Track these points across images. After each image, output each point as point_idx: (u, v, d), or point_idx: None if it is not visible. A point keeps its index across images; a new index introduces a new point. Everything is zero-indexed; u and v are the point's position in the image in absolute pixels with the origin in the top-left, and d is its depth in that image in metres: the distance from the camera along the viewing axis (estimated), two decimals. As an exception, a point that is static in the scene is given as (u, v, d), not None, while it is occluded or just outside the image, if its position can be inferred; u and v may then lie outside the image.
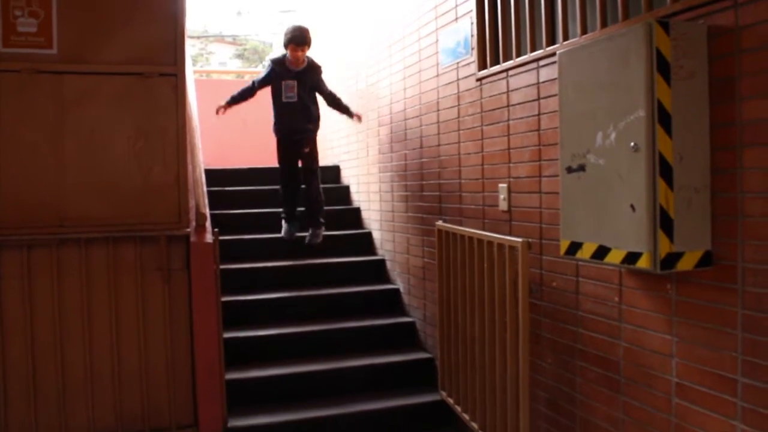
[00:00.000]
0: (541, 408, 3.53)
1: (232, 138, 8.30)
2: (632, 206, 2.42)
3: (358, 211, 6.45)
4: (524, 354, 3.31)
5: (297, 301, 5.29)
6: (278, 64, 5.69)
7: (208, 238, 4.13)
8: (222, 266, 4.30)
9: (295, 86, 5.63)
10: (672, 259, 2.38)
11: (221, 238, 4.29)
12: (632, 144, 2.41)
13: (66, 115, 3.94)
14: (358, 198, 6.55)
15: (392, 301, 5.50)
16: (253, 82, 5.85)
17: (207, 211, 4.41)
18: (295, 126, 5.72)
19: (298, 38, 5.55)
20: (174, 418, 4.18)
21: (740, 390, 2.37)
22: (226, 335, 4.36)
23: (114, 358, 4.08)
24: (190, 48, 5.14)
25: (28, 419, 3.96)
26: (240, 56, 24.79)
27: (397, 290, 5.50)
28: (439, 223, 4.34)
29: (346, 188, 6.85)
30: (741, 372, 2.36)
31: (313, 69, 5.75)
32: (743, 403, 2.36)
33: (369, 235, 6.13)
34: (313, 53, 5.88)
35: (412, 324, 5.22)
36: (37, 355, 3.97)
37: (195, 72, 7.83)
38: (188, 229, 4.11)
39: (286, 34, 5.64)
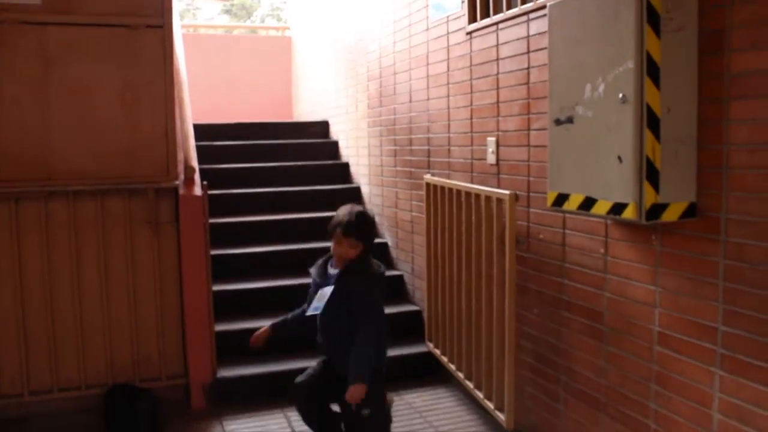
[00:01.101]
0: (526, 358, 3.60)
1: (220, 93, 8.24)
2: (619, 158, 2.44)
3: (346, 166, 6.45)
4: (510, 305, 3.37)
5: (286, 255, 5.32)
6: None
7: (197, 191, 4.14)
8: (211, 220, 4.31)
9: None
10: (657, 210, 2.41)
11: (210, 192, 4.29)
12: (620, 96, 2.42)
13: (51, 67, 3.90)
14: (347, 153, 6.54)
15: (381, 255, 5.54)
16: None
17: (196, 165, 4.41)
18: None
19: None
20: (164, 369, 4.24)
21: (720, 338, 2.43)
22: (216, 288, 4.39)
23: (104, 310, 4.12)
24: (177, 3, 4.72)
25: (20, 371, 4.01)
26: (228, 12, 24.42)
27: (385, 244, 5.54)
28: (428, 176, 4.37)
29: (335, 143, 6.84)
30: (721, 320, 2.42)
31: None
32: (723, 350, 2.42)
33: (358, 189, 6.14)
34: (300, 11, 5.67)
35: (400, 277, 5.28)
36: (27, 307, 4.00)
37: (182, 27, 7.74)
38: (177, 182, 4.12)
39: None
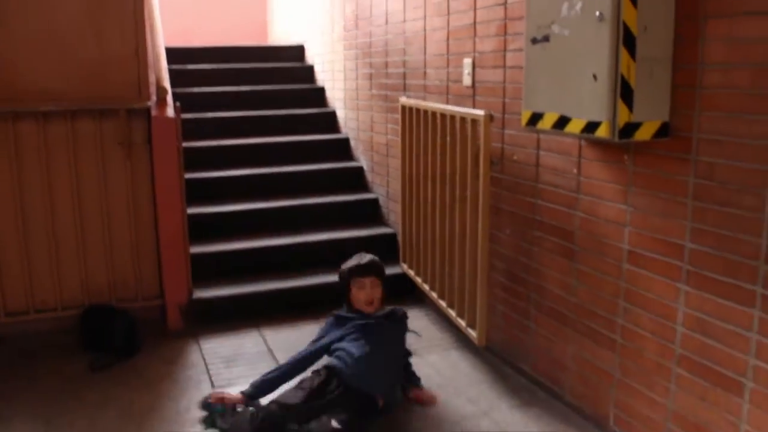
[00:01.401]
0: (498, 277, 3.68)
1: (192, 15, 8.03)
2: (594, 76, 2.45)
3: (322, 90, 6.38)
4: (484, 226, 3.42)
5: (260, 178, 5.31)
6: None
7: (170, 112, 4.08)
8: (185, 144, 4.26)
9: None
10: (630, 128, 2.44)
11: (183, 116, 4.23)
12: (597, 13, 2.41)
13: (13, -19, 3.76)
14: (322, 77, 6.46)
15: (356, 179, 5.55)
16: None
17: (168, 86, 4.33)
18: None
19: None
20: (140, 290, 4.27)
21: (687, 255, 2.50)
22: (190, 211, 4.38)
23: (78, 233, 4.10)
24: None
25: (-5, 293, 4.01)
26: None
27: (360, 168, 5.55)
28: (403, 98, 4.34)
29: (311, 67, 6.73)
30: (689, 238, 2.48)
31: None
32: (689, 266, 2.49)
33: (333, 114, 6.09)
34: None
35: (375, 200, 5.30)
36: (0, 230, 3.96)
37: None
38: (149, 103, 4.05)
39: None
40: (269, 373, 3.16)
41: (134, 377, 3.62)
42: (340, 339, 3.24)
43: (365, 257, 3.47)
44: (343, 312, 3.43)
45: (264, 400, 3.02)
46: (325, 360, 3.22)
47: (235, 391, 3.14)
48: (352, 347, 3.15)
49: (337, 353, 3.17)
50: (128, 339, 3.92)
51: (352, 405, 2.95)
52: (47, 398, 3.39)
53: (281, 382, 3.13)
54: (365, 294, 3.38)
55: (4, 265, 4.01)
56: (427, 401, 3.31)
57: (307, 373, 3.17)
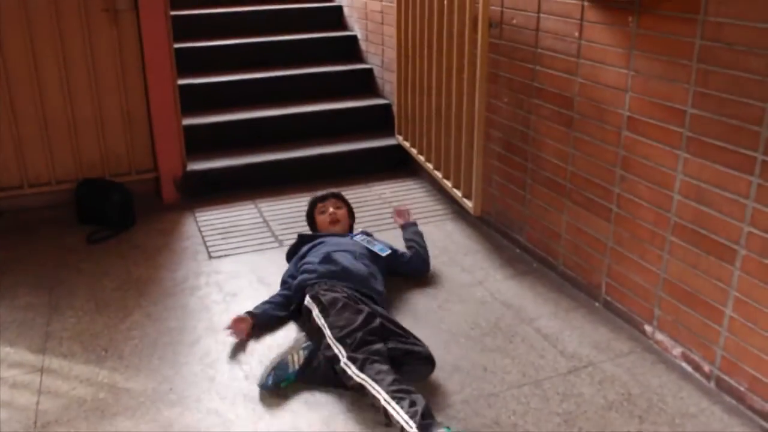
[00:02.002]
0: (495, 147, 3.62)
1: None
2: (601, -73, 2.29)
3: (313, -46, 6.07)
4: (481, 93, 3.32)
5: (252, 47, 5.14)
6: None
7: (154, -25, 3.87)
8: (172, 12, 4.08)
9: None
10: (636, -15, 2.31)
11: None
12: None
13: None
14: (313, -61, 6.12)
15: (350, 48, 5.38)
16: None
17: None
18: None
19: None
20: (133, 164, 4.22)
21: (688, 121, 2.43)
22: (181, 82, 4.25)
23: (66, 105, 4.00)
24: None
25: (-14, 167, 3.96)
26: None
27: (354, 37, 5.36)
28: (399, -39, 4.12)
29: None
30: (691, 103, 2.40)
31: None
32: (689, 133, 2.43)
33: (325, -21, 5.83)
34: None
35: (369, 71, 5.16)
36: (-15, 101, 3.86)
37: None
38: (131, -35, 3.84)
39: None
40: (271, 306, 2.98)
41: (131, 249, 3.64)
42: (304, 255, 3.13)
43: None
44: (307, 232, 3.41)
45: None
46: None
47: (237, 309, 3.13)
48: (312, 256, 3.05)
49: (302, 269, 3.01)
50: (123, 212, 3.91)
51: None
52: (48, 269, 3.42)
53: (282, 314, 2.97)
54: (328, 214, 3.38)
55: (-7, 139, 3.94)
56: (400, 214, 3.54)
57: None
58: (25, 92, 3.90)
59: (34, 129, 3.98)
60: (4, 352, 2.76)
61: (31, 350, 2.78)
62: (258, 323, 2.89)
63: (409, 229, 3.48)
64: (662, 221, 2.61)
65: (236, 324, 2.82)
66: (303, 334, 2.76)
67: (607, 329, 2.88)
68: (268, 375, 2.49)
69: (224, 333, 2.83)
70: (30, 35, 3.82)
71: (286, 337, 2.85)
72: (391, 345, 2.54)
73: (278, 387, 2.50)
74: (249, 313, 2.90)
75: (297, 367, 2.53)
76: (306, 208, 3.52)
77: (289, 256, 3.30)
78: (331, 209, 3.42)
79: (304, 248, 3.19)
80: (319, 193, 3.54)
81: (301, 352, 2.57)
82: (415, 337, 2.64)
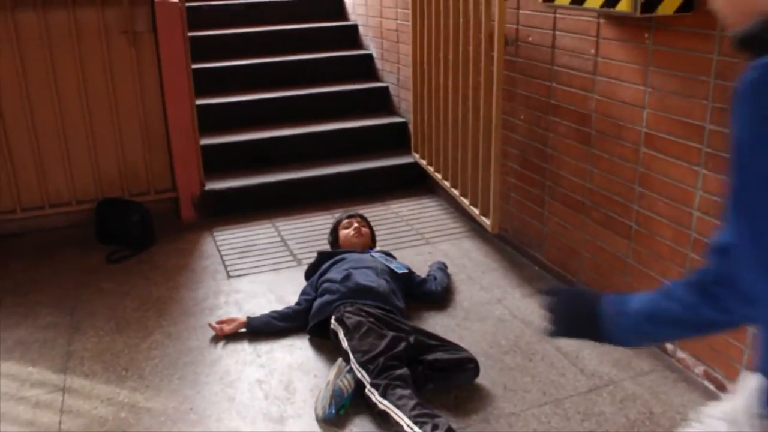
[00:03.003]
0: (512, 164, 3.62)
1: None
2: (616, -54, 2.30)
3: (329, -26, 6.13)
4: (497, 111, 3.33)
5: (269, 67, 5.18)
6: None
7: (173, -2, 3.93)
8: (190, 33, 4.13)
9: None
10: (653, 2, 2.31)
11: (188, 4, 4.08)
12: None
13: None
14: (328, -40, 6.18)
15: (366, 67, 5.41)
16: None
17: (168, -30, 4.15)
18: None
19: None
20: (152, 183, 4.26)
21: (706, 137, 2.42)
22: (198, 102, 4.30)
23: (86, 125, 4.06)
24: None
25: (9, 187, 4.02)
26: None
27: (370, 56, 5.39)
28: (414, -20, 4.15)
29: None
30: (709, 119, 2.40)
31: None
32: (708, 149, 2.42)
33: (341, 0, 5.87)
34: None
35: (385, 89, 5.19)
36: (8, 123, 3.93)
37: None
38: (150, -12, 3.90)
39: None
40: (273, 315, 3.04)
41: (151, 269, 3.67)
42: (324, 272, 3.14)
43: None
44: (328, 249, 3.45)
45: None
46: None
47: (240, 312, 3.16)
48: (334, 272, 3.06)
49: (324, 287, 3.02)
50: (143, 231, 3.94)
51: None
52: (69, 289, 3.45)
53: (282, 325, 3.01)
54: (353, 228, 3.42)
55: (17, 160, 4.00)
56: None
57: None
58: (46, 113, 3.97)
59: (54, 149, 4.04)
60: (27, 372, 2.79)
61: (53, 370, 2.80)
62: (251, 328, 2.99)
63: (436, 264, 3.49)
64: (682, 238, 2.59)
65: (225, 320, 2.99)
66: (341, 358, 2.74)
67: (628, 347, 2.86)
68: (330, 405, 2.47)
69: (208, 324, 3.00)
70: (51, 56, 3.89)
71: (305, 356, 2.86)
72: (438, 356, 2.57)
73: (338, 414, 2.49)
74: (248, 317, 3.01)
75: (350, 391, 2.53)
76: (325, 225, 3.54)
77: (308, 274, 3.31)
78: (355, 224, 3.45)
79: (325, 265, 3.20)
80: (345, 212, 3.62)
81: (348, 376, 2.57)
82: (455, 344, 2.68)
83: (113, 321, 3.15)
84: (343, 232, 3.46)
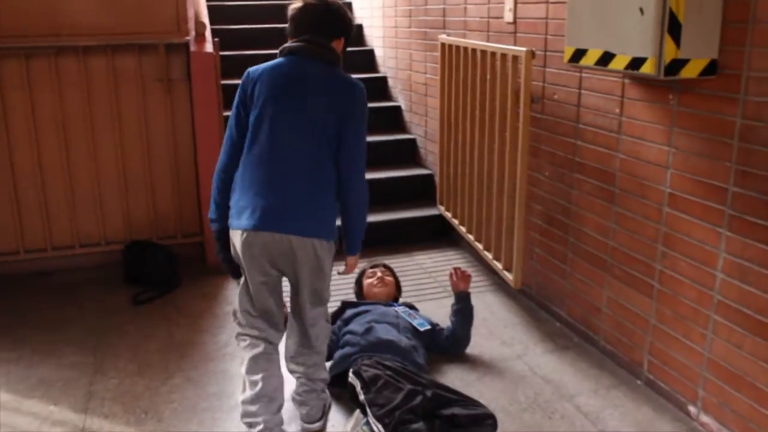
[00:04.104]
0: (536, 220, 3.63)
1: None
2: (641, 9, 2.34)
3: (360, 28, 6.27)
4: (522, 166, 3.36)
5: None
6: None
7: (208, 47, 4.05)
8: (223, 81, 4.24)
9: None
10: (677, 65, 2.34)
11: (222, 53, 4.20)
12: (646, -57, 2.29)
13: None
14: (361, 15, 6.33)
15: (394, 119, 5.50)
16: None
17: (207, 21, 4.30)
18: None
19: None
20: (180, 227, 4.33)
21: (730, 199, 2.42)
22: (229, 149, 4.37)
23: (119, 169, 4.16)
24: None
25: (42, 227, 4.12)
26: None
27: (398, 108, 5.48)
28: (443, 36, 4.24)
29: (348, 4, 6.60)
30: (733, 181, 2.40)
31: None
32: (731, 211, 2.42)
33: (371, 52, 6.00)
34: None
35: (412, 141, 5.25)
36: (45, 164, 4.05)
37: None
38: (187, 38, 4.04)
39: None
40: None
41: (175, 312, 3.71)
42: (347, 322, 3.17)
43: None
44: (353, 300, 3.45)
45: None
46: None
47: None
48: (356, 324, 3.08)
49: (344, 339, 3.04)
50: (169, 274, 4.00)
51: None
52: (94, 329, 3.50)
53: None
54: (376, 278, 3.43)
55: (50, 200, 4.11)
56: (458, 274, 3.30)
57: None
58: (81, 155, 4.09)
59: (87, 191, 4.15)
60: (48, 410, 2.81)
61: (74, 409, 2.82)
62: None
63: (461, 301, 3.30)
64: (705, 299, 2.57)
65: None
66: (358, 410, 2.74)
67: (650, 408, 2.81)
68: None
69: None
70: (89, 101, 4.02)
71: (323, 405, 2.85)
72: (455, 411, 2.55)
73: None
74: None
75: None
76: (350, 274, 3.52)
77: (332, 322, 3.31)
78: (379, 273, 3.47)
79: (348, 312, 3.22)
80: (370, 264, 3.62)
81: (365, 428, 2.56)
82: (474, 399, 2.66)
83: (135, 363, 3.18)
84: (366, 282, 3.47)
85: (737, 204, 2.39)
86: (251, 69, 2.50)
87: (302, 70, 2.43)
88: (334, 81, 2.43)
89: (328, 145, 2.40)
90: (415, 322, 3.18)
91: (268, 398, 2.46)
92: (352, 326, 3.08)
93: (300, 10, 2.48)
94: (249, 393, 2.46)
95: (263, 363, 2.48)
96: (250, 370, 2.47)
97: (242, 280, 2.52)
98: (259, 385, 2.44)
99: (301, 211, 2.37)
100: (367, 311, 3.18)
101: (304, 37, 2.45)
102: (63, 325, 3.54)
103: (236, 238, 2.41)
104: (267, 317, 2.52)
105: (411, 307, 3.37)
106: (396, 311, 3.22)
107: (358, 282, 3.53)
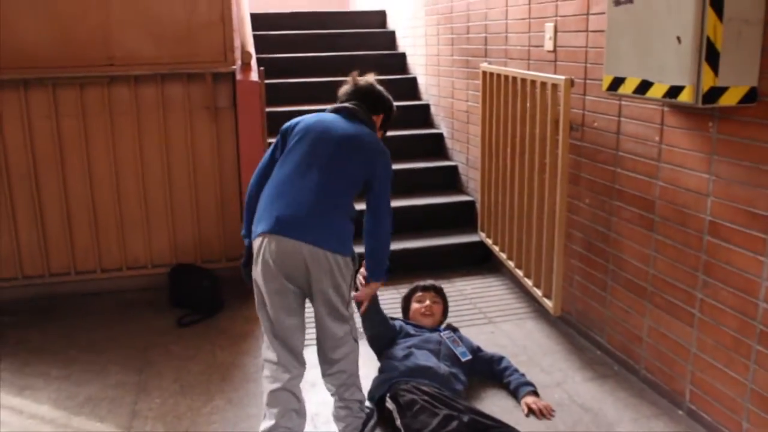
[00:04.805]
0: (576, 247, 3.62)
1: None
2: (678, 38, 2.35)
3: (403, 56, 6.37)
4: (562, 194, 3.37)
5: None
6: None
7: (254, 77, 4.16)
8: (267, 109, 4.35)
9: None
10: (715, 93, 2.34)
11: (267, 81, 4.31)
12: (683, -27, 2.31)
13: (109, -48, 3.92)
14: (403, 43, 6.44)
15: (436, 146, 5.55)
16: None
17: (252, 51, 4.42)
18: None
19: None
20: (224, 251, 4.43)
21: (772, 227, 2.40)
22: (273, 174, 4.47)
23: (166, 194, 4.29)
24: None
25: (93, 250, 4.26)
26: None
27: (440, 135, 5.53)
28: (484, 65, 4.29)
29: (392, 33, 6.72)
30: (775, 209, 2.38)
31: None
32: (774, 239, 2.39)
33: (414, 80, 6.08)
34: None
35: (454, 168, 5.29)
36: (96, 187, 4.20)
37: None
38: (234, 68, 4.16)
39: None
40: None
41: (217, 334, 3.78)
42: (392, 342, 3.20)
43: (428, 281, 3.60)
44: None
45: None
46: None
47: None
48: (398, 349, 3.09)
49: (384, 364, 3.08)
50: (212, 297, 4.09)
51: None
52: (139, 349, 3.59)
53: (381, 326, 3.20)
54: (424, 306, 3.43)
55: (101, 223, 4.25)
56: (541, 411, 2.95)
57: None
58: (131, 180, 4.23)
59: (136, 215, 4.28)
60: (94, 428, 2.90)
61: (118, 427, 2.90)
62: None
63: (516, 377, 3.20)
64: (748, 329, 2.53)
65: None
66: None
67: (692, 440, 2.77)
68: None
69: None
70: (139, 128, 4.17)
71: (361, 428, 2.87)
72: None
73: None
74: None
75: None
76: (391, 301, 3.57)
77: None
78: (428, 302, 3.45)
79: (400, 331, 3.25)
80: (423, 282, 3.58)
81: None
82: (511, 426, 2.68)
83: (178, 383, 3.25)
84: (414, 306, 3.47)
85: (779, 232, 2.37)
86: (300, 117, 2.78)
87: (341, 124, 2.68)
88: (366, 139, 2.67)
89: (350, 185, 2.61)
90: (457, 351, 3.17)
91: (285, 429, 2.55)
92: (393, 350, 3.10)
93: (351, 85, 2.87)
94: (267, 424, 2.56)
95: (281, 398, 2.57)
96: (269, 404, 2.58)
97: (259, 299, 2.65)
98: (274, 419, 2.54)
99: (318, 225, 2.51)
100: (410, 335, 3.20)
101: (351, 102, 2.79)
102: (110, 346, 3.64)
103: (255, 246, 2.55)
104: (283, 341, 2.60)
105: (455, 330, 3.37)
106: (441, 337, 3.22)
107: (407, 300, 3.53)
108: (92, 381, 3.29)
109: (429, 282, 3.59)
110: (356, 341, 2.69)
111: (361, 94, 2.83)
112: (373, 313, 3.09)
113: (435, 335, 3.24)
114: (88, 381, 3.29)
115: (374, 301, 3.03)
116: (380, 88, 2.91)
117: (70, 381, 3.29)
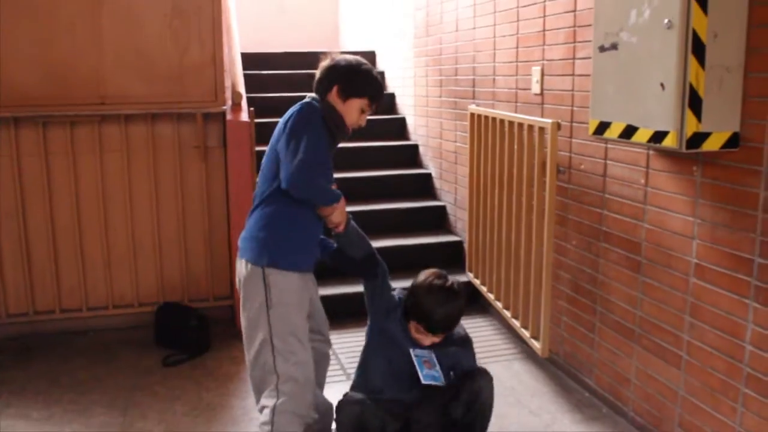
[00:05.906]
0: (563, 288, 3.63)
1: (267, 21, 8.22)
2: (662, 84, 2.40)
3: (392, 97, 6.43)
4: (549, 235, 3.39)
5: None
6: None
7: (244, 116, 4.20)
8: (258, 148, 4.37)
9: None
10: (698, 139, 2.38)
11: (257, 120, 4.34)
12: (666, 21, 2.37)
13: (103, -7, 3.97)
14: (392, 84, 6.51)
15: (424, 185, 5.58)
16: None
17: (243, 91, 4.46)
18: None
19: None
20: (212, 290, 4.41)
21: (756, 270, 2.42)
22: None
23: (154, 232, 4.28)
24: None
25: (79, 287, 4.24)
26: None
27: (429, 175, 5.57)
28: (472, 107, 4.34)
29: (381, 74, 6.79)
30: (758, 252, 2.40)
31: None
32: (758, 282, 2.41)
33: (402, 120, 6.14)
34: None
35: (443, 208, 5.31)
36: (84, 225, 4.19)
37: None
38: (224, 108, 4.19)
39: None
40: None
41: (204, 375, 3.74)
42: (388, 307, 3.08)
43: (445, 307, 2.90)
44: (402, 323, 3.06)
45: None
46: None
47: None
48: (372, 355, 3.02)
49: (357, 373, 3.05)
50: (199, 337, 4.05)
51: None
52: (123, 389, 3.55)
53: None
54: (424, 340, 2.95)
55: (87, 262, 4.23)
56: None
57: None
58: (118, 217, 4.23)
59: (123, 252, 4.27)
60: (75, 471, 2.85)
61: (100, 471, 2.86)
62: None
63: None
64: (735, 372, 2.54)
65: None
66: None
67: (680, 484, 2.75)
68: None
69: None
70: (129, 166, 4.18)
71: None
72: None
73: None
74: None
75: None
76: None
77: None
78: (429, 341, 2.94)
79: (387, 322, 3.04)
80: (436, 314, 2.89)
81: None
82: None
83: (163, 424, 3.21)
84: (415, 330, 2.95)
85: (763, 275, 2.39)
86: None
87: None
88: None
89: (273, 165, 2.72)
90: (422, 373, 2.85)
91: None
92: (368, 353, 3.04)
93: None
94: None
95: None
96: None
97: None
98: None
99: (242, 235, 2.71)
100: (393, 343, 2.97)
101: (311, 98, 2.79)
102: (94, 385, 3.60)
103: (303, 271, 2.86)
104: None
105: (443, 344, 2.98)
106: (415, 355, 2.91)
107: (416, 295, 2.99)
108: (75, 421, 3.24)
109: (440, 314, 2.90)
110: (273, 356, 2.70)
111: (314, 85, 2.79)
112: (354, 236, 3.09)
113: (414, 351, 2.92)
114: (69, 421, 3.24)
115: (348, 223, 3.03)
116: (326, 62, 2.74)
117: (52, 422, 3.24)
